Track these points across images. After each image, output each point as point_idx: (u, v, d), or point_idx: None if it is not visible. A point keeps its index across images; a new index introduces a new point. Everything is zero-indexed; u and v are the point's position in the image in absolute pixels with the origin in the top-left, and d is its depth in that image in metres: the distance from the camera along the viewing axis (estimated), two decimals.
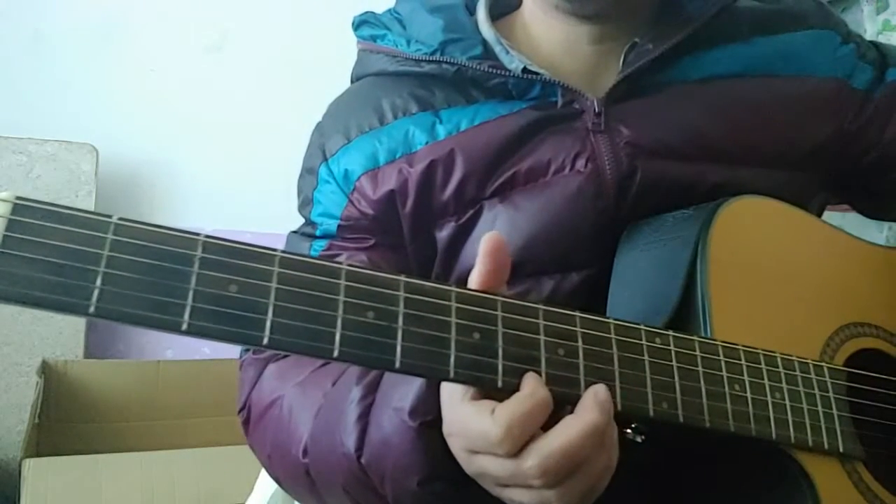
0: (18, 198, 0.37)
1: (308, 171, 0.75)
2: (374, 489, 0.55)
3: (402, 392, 0.52)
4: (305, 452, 0.59)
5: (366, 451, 0.54)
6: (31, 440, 1.48)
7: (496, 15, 0.75)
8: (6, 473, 1.65)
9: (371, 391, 0.55)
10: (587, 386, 0.46)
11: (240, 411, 0.69)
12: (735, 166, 0.67)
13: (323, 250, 0.71)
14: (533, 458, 0.43)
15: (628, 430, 0.50)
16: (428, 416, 0.50)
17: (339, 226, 0.71)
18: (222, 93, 2.07)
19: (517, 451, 0.43)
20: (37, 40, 1.93)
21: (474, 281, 0.46)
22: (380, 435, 0.52)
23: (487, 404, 0.44)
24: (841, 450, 0.55)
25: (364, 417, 0.54)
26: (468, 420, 0.44)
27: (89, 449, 1.52)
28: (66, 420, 1.61)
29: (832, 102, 0.72)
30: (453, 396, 0.46)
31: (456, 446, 0.47)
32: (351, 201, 0.70)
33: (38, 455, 1.46)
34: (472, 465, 0.46)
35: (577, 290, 0.65)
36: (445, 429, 0.48)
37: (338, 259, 0.69)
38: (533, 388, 0.44)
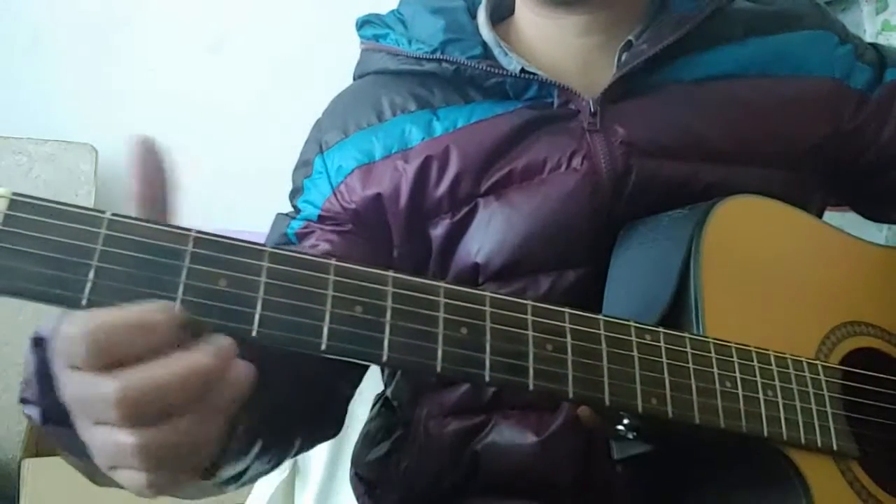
0: (14, 193, 0.38)
1: (303, 164, 0.75)
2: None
3: None
4: None
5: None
6: (30, 440, 1.48)
7: (496, 19, 0.76)
8: (6, 473, 1.65)
9: None
10: (575, 382, 0.46)
11: None
12: (730, 166, 0.67)
13: (300, 228, 0.71)
14: (118, 381, 0.36)
15: (620, 427, 0.50)
16: (42, 333, 0.44)
17: (319, 215, 0.71)
18: (222, 93, 2.07)
19: (92, 365, 0.36)
20: (37, 40, 1.93)
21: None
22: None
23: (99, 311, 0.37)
24: (834, 448, 0.55)
25: None
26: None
27: None
28: None
29: (829, 102, 0.72)
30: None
31: (50, 352, 0.40)
32: (335, 194, 0.70)
33: (38, 455, 1.46)
34: (56, 374, 0.39)
35: (574, 288, 0.65)
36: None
37: (310, 238, 0.70)
38: (146, 309, 0.37)
